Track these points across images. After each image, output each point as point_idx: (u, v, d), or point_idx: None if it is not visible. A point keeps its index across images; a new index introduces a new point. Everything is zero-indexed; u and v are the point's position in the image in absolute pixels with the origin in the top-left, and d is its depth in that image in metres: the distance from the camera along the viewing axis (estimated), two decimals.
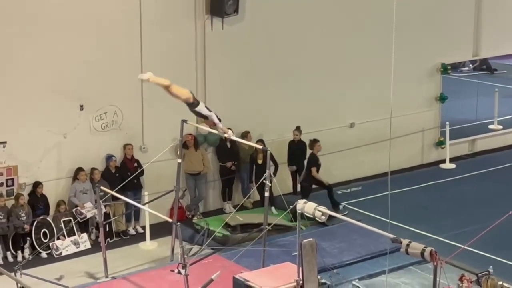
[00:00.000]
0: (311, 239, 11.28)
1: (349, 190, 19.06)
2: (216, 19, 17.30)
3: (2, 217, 15.26)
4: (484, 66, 28.34)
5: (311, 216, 11.48)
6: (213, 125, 13.54)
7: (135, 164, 16.72)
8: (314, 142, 17.71)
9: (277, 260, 13.64)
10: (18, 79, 15.47)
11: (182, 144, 15.73)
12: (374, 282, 14.27)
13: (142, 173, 16.65)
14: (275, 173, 16.91)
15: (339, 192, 19.01)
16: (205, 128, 16.47)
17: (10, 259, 15.43)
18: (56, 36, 15.67)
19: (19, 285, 12.36)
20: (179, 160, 15.41)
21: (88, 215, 16.11)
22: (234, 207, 17.18)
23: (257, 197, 17.53)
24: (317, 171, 17.57)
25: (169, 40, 16.94)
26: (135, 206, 15.71)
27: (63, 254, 15.75)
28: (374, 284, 14.15)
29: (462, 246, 13.09)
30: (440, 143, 21.32)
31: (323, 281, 12.25)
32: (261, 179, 14.04)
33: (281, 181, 17.25)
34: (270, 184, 13.74)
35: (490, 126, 23.03)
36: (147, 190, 16.73)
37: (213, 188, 18.09)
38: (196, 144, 17.32)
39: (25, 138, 15.67)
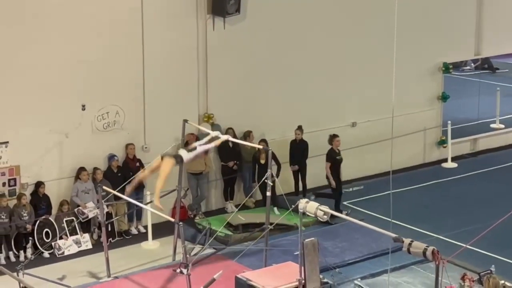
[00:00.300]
0: (313, 238, 11.30)
1: (351, 190, 19.05)
2: (217, 18, 17.31)
3: (4, 217, 15.27)
4: (485, 65, 28.32)
5: (313, 216, 11.48)
6: (205, 153, 13.74)
7: (137, 164, 16.73)
8: (333, 137, 17.61)
9: (279, 260, 13.65)
10: (20, 79, 15.47)
11: (184, 144, 15.73)
12: (376, 281, 14.27)
13: None
14: (278, 173, 16.92)
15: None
16: (206, 129, 16.50)
17: (13, 259, 15.45)
18: (58, 35, 15.68)
19: (21, 284, 12.35)
20: None
21: (90, 215, 16.11)
22: (236, 206, 17.18)
23: (259, 196, 17.53)
24: (338, 167, 17.47)
25: (171, 39, 16.94)
26: (137, 206, 15.72)
27: (65, 253, 15.76)
28: (376, 283, 14.15)
29: (464, 245, 13.08)
30: (442, 142, 21.32)
31: (325, 280, 12.25)
32: (263, 179, 14.04)
33: (283, 180, 17.26)
34: (271, 184, 13.74)
35: (492, 125, 23.02)
36: (149, 189, 16.70)
37: (215, 187, 18.09)
38: None
39: (27, 138, 15.68)
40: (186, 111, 16.87)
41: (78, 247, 15.94)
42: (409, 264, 14.55)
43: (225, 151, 17.76)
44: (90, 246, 16.05)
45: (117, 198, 15.45)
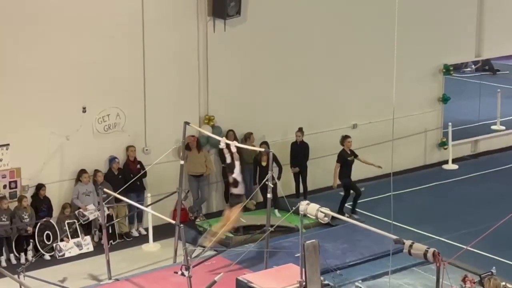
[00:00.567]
0: (313, 240, 11.29)
1: (351, 191, 19.02)
2: (218, 21, 17.31)
3: (5, 220, 15.27)
4: (486, 67, 28.29)
5: (314, 218, 11.48)
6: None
7: (138, 166, 16.72)
8: (344, 138, 17.59)
9: (280, 262, 13.65)
10: (21, 81, 15.48)
11: (184, 146, 15.75)
12: (377, 283, 14.28)
13: (145, 175, 16.65)
14: (279, 175, 16.92)
15: (342, 193, 19.00)
16: (207, 132, 16.52)
17: (13, 261, 15.45)
18: (59, 38, 15.69)
19: (22, 287, 12.38)
20: (182, 162, 15.42)
21: (91, 217, 16.11)
22: None
23: (260, 198, 17.53)
24: (350, 168, 17.42)
25: (172, 42, 16.95)
26: (138, 208, 15.71)
27: (66, 256, 15.76)
28: (377, 285, 14.15)
29: (465, 247, 13.09)
30: (443, 144, 21.32)
31: (326, 282, 12.27)
32: (264, 180, 14.05)
33: (284, 182, 17.28)
34: (272, 186, 13.74)
35: (493, 127, 23.01)
36: (150, 192, 16.73)
37: (215, 189, 18.09)
38: (198, 145, 17.32)
39: (28, 140, 15.69)
40: (186, 113, 16.86)
41: (79, 249, 15.94)
42: (410, 266, 14.56)
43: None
44: (91, 249, 16.04)
45: (118, 200, 15.45)
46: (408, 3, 18.82)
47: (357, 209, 17.58)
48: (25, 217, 15.47)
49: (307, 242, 11.18)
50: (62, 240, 15.79)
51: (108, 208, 15.71)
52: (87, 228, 16.28)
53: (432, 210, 18.02)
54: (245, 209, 16.53)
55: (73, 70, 15.93)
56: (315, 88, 18.92)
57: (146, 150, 17.07)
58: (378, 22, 18.97)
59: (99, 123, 16.50)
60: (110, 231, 16.12)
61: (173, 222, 14.14)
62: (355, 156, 17.65)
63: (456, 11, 20.97)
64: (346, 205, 17.52)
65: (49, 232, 15.80)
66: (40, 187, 15.81)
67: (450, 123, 21.04)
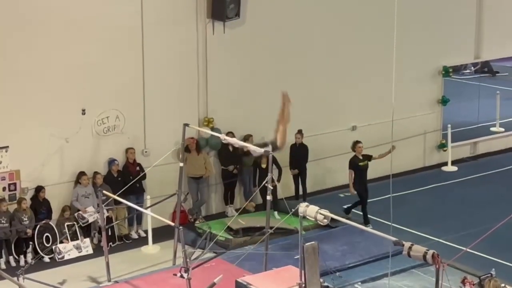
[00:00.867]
0: (313, 242, 11.28)
1: (351, 193, 19.03)
2: (217, 23, 17.32)
3: (4, 222, 15.27)
4: (485, 69, 28.35)
5: (313, 219, 11.47)
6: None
7: (137, 168, 16.73)
8: (356, 143, 17.44)
9: (279, 264, 13.63)
10: (20, 83, 15.49)
11: (184, 148, 15.75)
12: (376, 285, 14.28)
13: (144, 177, 16.65)
14: (279, 178, 16.92)
15: (341, 195, 19.03)
16: (207, 131, 16.53)
17: (13, 263, 15.45)
18: (58, 40, 15.70)
19: None
20: (181, 164, 15.43)
21: (90, 220, 16.10)
22: (236, 210, 17.21)
23: (259, 200, 17.53)
24: (363, 173, 17.24)
25: (171, 44, 16.96)
26: (137, 210, 15.71)
27: (66, 258, 15.76)
28: (377, 287, 14.15)
29: (464, 249, 13.08)
30: (442, 146, 21.33)
31: (326, 284, 12.25)
32: (263, 183, 14.05)
33: (283, 184, 17.28)
34: (271, 188, 13.74)
35: (492, 129, 23.04)
36: (149, 194, 16.74)
37: (215, 191, 18.10)
38: (198, 147, 17.33)
39: (27, 143, 15.69)
40: (186, 115, 16.87)
41: (79, 252, 15.94)
42: (409, 267, 14.56)
43: (225, 155, 17.78)
44: (90, 251, 16.04)
45: (117, 202, 15.44)
46: (407, 5, 18.81)
47: (352, 211, 17.53)
48: (24, 219, 15.47)
49: (307, 244, 11.16)
50: (61, 242, 15.78)
51: (107, 210, 15.72)
52: (87, 230, 16.28)
53: (432, 212, 18.03)
54: (245, 211, 16.57)
55: (73, 72, 15.94)
56: (314, 90, 18.93)
57: (146, 152, 17.08)
58: (377, 24, 18.99)
59: (99, 125, 16.51)
60: (110, 233, 16.12)
61: (173, 224, 14.13)
62: (369, 159, 17.40)
63: (455, 13, 20.99)
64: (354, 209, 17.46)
65: (48, 234, 15.80)
66: (39, 189, 15.81)
67: (449, 125, 21.05)
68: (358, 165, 17.29)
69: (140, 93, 16.82)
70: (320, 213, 11.19)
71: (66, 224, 16.00)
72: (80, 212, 16.06)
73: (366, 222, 17.05)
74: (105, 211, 15.11)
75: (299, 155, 18.11)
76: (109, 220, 16.08)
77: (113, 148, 16.69)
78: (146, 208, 15.74)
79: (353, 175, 17.29)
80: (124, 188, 15.42)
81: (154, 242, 16.30)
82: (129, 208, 16.15)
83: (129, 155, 16.77)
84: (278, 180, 16.63)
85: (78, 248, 15.98)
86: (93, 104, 16.30)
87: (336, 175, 19.46)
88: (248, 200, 17.20)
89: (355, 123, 19.76)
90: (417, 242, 10.91)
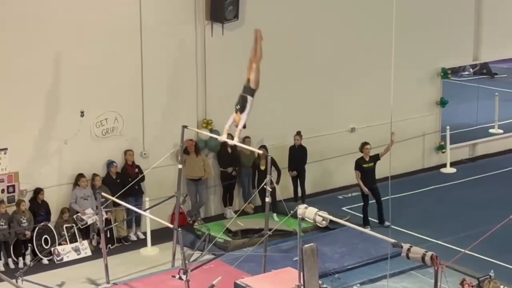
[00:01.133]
0: (312, 244, 11.28)
1: (350, 195, 19.06)
2: (216, 24, 17.33)
3: (3, 224, 15.26)
4: (484, 70, 28.34)
5: (312, 221, 11.47)
6: (236, 124, 13.53)
7: (136, 170, 16.73)
8: (363, 145, 17.36)
9: (278, 265, 13.63)
10: (19, 85, 15.49)
11: (183, 150, 15.74)
12: (375, 286, 14.28)
13: (143, 179, 16.66)
14: (278, 180, 16.92)
15: (340, 197, 19.04)
16: (205, 133, 16.53)
17: (12, 265, 15.44)
18: (56, 42, 15.70)
19: None
20: (180, 166, 15.42)
21: (89, 221, 16.11)
22: (235, 212, 17.21)
23: (258, 202, 17.53)
24: (369, 174, 17.15)
25: (170, 45, 16.96)
26: (136, 212, 15.72)
27: (64, 260, 15.75)
28: None
29: (463, 250, 13.09)
30: (441, 148, 21.33)
31: (324, 286, 12.25)
32: (262, 184, 14.05)
33: (282, 186, 17.27)
34: (270, 189, 13.75)
35: (491, 130, 23.03)
36: (148, 196, 16.74)
37: (214, 193, 18.10)
38: (197, 149, 17.33)
39: (26, 145, 15.69)
40: (184, 117, 16.88)
41: (77, 254, 15.92)
42: (408, 269, 14.57)
43: (224, 157, 17.78)
44: (89, 253, 16.03)
45: (116, 204, 15.45)
46: (406, 7, 18.82)
47: (353, 212, 17.53)
48: (23, 221, 15.47)
49: (305, 245, 11.16)
50: (60, 244, 15.78)
51: (106, 212, 15.72)
52: (85, 232, 16.27)
53: (430, 214, 18.02)
54: (243, 213, 16.57)
55: (71, 74, 15.94)
56: (313, 91, 18.93)
57: (144, 154, 17.08)
58: (376, 26, 18.98)
59: (97, 127, 16.50)
60: (108, 235, 16.12)
61: (171, 226, 14.14)
62: (375, 161, 17.26)
63: (454, 15, 21.00)
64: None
65: (47, 236, 15.79)
66: (38, 191, 15.80)
67: (448, 127, 21.05)
68: (362, 167, 17.26)
69: (139, 95, 16.82)
70: (319, 215, 11.20)
71: (64, 226, 15.99)
72: (78, 214, 16.07)
73: (365, 223, 17.05)
74: (103, 213, 15.11)
75: (298, 156, 18.11)
76: (107, 222, 16.07)
77: (112, 150, 16.68)
78: (145, 210, 15.75)
79: (360, 175, 17.24)
80: (123, 190, 15.41)
81: (153, 244, 16.29)
82: (128, 210, 16.14)
83: (128, 157, 16.77)
84: (277, 182, 16.64)
85: (76, 250, 15.97)
86: (91, 106, 16.30)
87: (335, 176, 19.47)
88: (247, 202, 17.20)
89: (354, 125, 19.76)
90: (416, 243, 10.91)
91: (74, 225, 16.01)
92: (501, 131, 23.04)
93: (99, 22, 16.09)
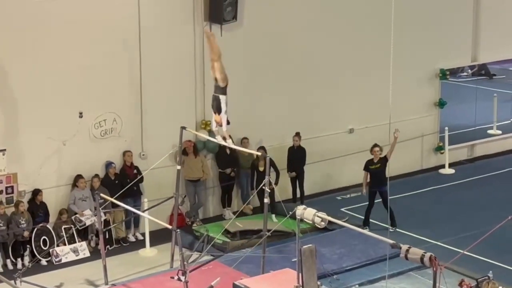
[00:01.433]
0: (310, 245, 11.28)
1: (348, 196, 19.06)
2: (215, 25, 17.31)
3: (2, 225, 15.25)
4: (482, 71, 28.33)
5: (311, 222, 11.48)
6: (219, 124, 13.48)
7: (135, 171, 16.72)
8: (372, 147, 17.26)
9: (276, 266, 13.63)
10: (17, 86, 15.48)
11: (181, 151, 15.74)
12: (374, 287, 14.27)
13: (141, 180, 16.65)
14: (276, 181, 16.92)
15: (338, 198, 19.04)
16: (204, 135, 16.52)
17: (10, 266, 15.42)
18: (54, 43, 15.69)
19: None
20: (179, 167, 15.42)
21: (88, 223, 16.11)
22: (234, 213, 17.20)
23: (257, 203, 17.53)
24: (377, 176, 16.95)
25: (168, 46, 16.96)
26: (134, 213, 15.71)
27: (63, 261, 15.74)
28: None
29: (462, 251, 13.10)
30: (439, 148, 21.34)
31: (323, 287, 12.25)
32: (261, 185, 14.05)
33: (281, 187, 17.27)
34: (269, 190, 13.74)
35: (489, 131, 23.03)
36: (146, 197, 16.73)
37: (212, 194, 18.09)
38: (195, 150, 17.33)
39: (24, 146, 15.68)
40: (183, 118, 16.87)
41: (76, 255, 15.91)
42: (406, 270, 14.57)
43: (223, 158, 17.78)
44: (87, 254, 16.02)
45: (114, 205, 15.45)
46: (404, 8, 18.84)
47: (352, 214, 17.52)
48: (22, 222, 15.46)
49: (304, 246, 11.16)
50: (58, 245, 15.77)
51: (104, 213, 15.71)
52: (84, 233, 16.26)
53: (429, 215, 18.02)
54: (242, 214, 16.57)
55: (70, 75, 15.94)
56: (312, 92, 18.92)
57: (143, 155, 17.07)
58: (375, 27, 19.00)
59: (96, 128, 16.50)
60: (107, 236, 16.10)
61: (170, 227, 14.13)
62: (384, 163, 17.00)
63: (452, 16, 21.00)
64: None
65: (45, 237, 15.78)
66: (36, 192, 15.79)
67: (446, 128, 21.05)
68: (369, 168, 17.25)
69: (137, 96, 16.81)
70: (318, 216, 11.20)
71: (63, 227, 15.98)
72: (77, 215, 16.06)
73: (365, 224, 17.03)
74: (102, 214, 15.10)
75: (297, 157, 18.10)
76: (106, 223, 16.07)
77: (110, 151, 16.68)
78: (144, 211, 15.75)
79: (368, 177, 17.24)
80: (122, 191, 15.41)
81: (151, 245, 16.29)
82: (126, 211, 16.14)
83: (127, 158, 16.76)
84: (276, 183, 16.63)
85: (75, 251, 15.96)
86: (90, 107, 16.29)
87: (334, 178, 19.47)
88: (246, 203, 17.19)
89: (353, 126, 19.76)
90: (415, 244, 10.92)
91: (72, 226, 16.00)
92: (500, 132, 23.04)
93: (97, 23, 16.08)
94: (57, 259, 15.72)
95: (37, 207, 15.81)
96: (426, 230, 16.84)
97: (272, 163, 16.11)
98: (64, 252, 15.82)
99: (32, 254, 15.60)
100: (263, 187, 13.74)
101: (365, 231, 12.09)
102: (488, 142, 22.55)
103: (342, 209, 18.04)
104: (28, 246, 15.61)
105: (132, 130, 16.89)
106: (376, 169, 17.10)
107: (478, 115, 22.68)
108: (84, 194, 16.20)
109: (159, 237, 16.26)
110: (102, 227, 14.93)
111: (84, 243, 16.09)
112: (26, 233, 15.47)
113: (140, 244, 16.62)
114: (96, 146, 16.49)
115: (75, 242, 16.03)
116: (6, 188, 15.68)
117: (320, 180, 19.14)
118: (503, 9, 22.02)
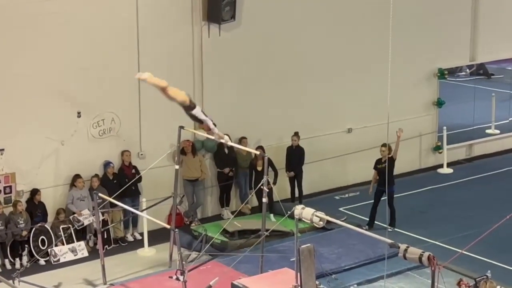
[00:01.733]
0: (309, 244, 11.29)
1: (347, 196, 19.06)
2: (213, 25, 17.32)
3: (0, 225, 15.25)
4: (481, 71, 28.36)
5: (309, 222, 11.48)
6: (208, 129, 13.46)
7: (133, 171, 16.71)
8: (381, 146, 17.22)
9: (275, 266, 13.64)
10: (15, 86, 15.47)
11: (179, 151, 15.74)
12: (372, 287, 14.29)
13: (140, 179, 16.64)
14: (275, 180, 16.91)
15: (337, 197, 19.04)
16: (202, 134, 16.50)
17: (8, 266, 15.42)
18: (53, 43, 15.69)
19: None
20: (177, 167, 15.42)
21: (86, 222, 16.10)
22: (232, 213, 17.21)
23: (255, 203, 17.53)
24: (380, 175, 16.96)
25: (167, 46, 16.95)
26: (133, 213, 15.71)
27: (61, 261, 15.74)
28: None
29: (460, 251, 13.09)
30: (438, 148, 21.34)
31: (322, 286, 12.27)
32: (259, 185, 14.05)
33: (279, 187, 17.28)
34: (267, 190, 13.74)
35: (487, 131, 23.04)
36: (145, 196, 16.72)
37: (211, 194, 18.09)
38: (194, 150, 17.32)
39: (23, 145, 15.68)
40: (181, 117, 16.67)
41: (74, 255, 15.91)
42: (405, 270, 14.58)
43: (221, 157, 17.77)
44: (86, 254, 16.02)
45: (112, 205, 15.45)
46: (402, 7, 18.86)
47: (349, 213, 17.51)
48: (20, 222, 15.45)
49: (302, 246, 11.17)
50: (57, 245, 15.76)
51: (103, 213, 15.70)
52: (82, 233, 16.26)
53: (427, 214, 18.03)
54: (240, 214, 16.56)
55: (68, 75, 15.93)
56: (310, 92, 18.92)
57: (141, 154, 17.07)
58: (373, 26, 19.00)
59: (94, 128, 16.49)
60: (105, 236, 16.10)
61: (168, 226, 14.12)
62: (390, 163, 16.96)
63: (450, 16, 21.00)
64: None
65: (44, 237, 15.78)
66: (35, 192, 15.79)
67: (445, 127, 21.06)
68: (377, 167, 17.26)
69: (135, 96, 16.80)
70: (316, 216, 11.20)
71: (61, 227, 15.98)
72: (75, 215, 16.05)
73: (369, 224, 16.98)
74: (100, 214, 15.10)
75: (295, 157, 18.10)
76: (104, 223, 16.07)
77: (109, 151, 16.67)
78: (142, 211, 15.74)
79: (377, 176, 17.23)
80: (120, 191, 15.40)
81: (149, 244, 16.28)
82: (124, 210, 16.14)
83: (125, 157, 16.76)
84: (274, 183, 16.64)
85: (73, 251, 15.96)
86: (88, 107, 16.29)
87: (332, 177, 19.45)
88: (244, 203, 17.18)
89: (351, 126, 19.76)
90: (413, 244, 10.93)
91: (70, 226, 15.99)
92: (498, 131, 23.05)
93: (96, 23, 16.08)
94: (55, 259, 15.71)
95: (35, 207, 15.81)
96: (425, 229, 16.84)
97: (271, 163, 16.11)
98: (62, 252, 15.81)
99: (31, 254, 15.59)
100: (262, 187, 13.74)
101: (364, 231, 12.07)
102: (486, 142, 22.55)
103: (341, 209, 18.04)
104: (26, 246, 15.60)
105: (131, 130, 16.89)
106: (382, 168, 17.10)
107: (476, 114, 22.70)
108: (82, 193, 16.20)
109: (157, 236, 16.25)
110: (101, 226, 14.93)
111: (82, 243, 16.09)
112: (24, 233, 15.47)
113: (138, 243, 16.61)
114: (95, 145, 16.49)
115: (73, 242, 16.03)
116: (4, 187, 15.67)
117: (318, 180, 19.14)
118: (502, 9, 22.03)
